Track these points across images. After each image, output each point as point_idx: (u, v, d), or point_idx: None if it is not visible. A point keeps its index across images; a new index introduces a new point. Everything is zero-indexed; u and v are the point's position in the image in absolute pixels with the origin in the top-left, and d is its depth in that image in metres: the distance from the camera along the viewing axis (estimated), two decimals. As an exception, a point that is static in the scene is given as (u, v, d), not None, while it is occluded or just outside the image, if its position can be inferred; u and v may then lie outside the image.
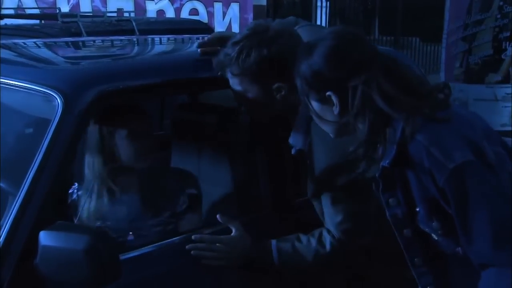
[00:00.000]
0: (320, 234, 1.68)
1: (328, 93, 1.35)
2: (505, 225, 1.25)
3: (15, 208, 1.38)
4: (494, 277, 1.27)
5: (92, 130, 1.79)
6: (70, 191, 1.90)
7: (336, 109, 1.36)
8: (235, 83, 1.67)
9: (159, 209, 1.85)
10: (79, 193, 1.88)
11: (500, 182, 1.27)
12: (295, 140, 1.67)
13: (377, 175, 1.36)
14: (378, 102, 1.30)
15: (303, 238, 1.69)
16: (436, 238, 1.37)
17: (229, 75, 1.67)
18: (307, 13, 9.34)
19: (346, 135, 1.42)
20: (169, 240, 1.68)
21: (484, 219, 1.25)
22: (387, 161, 1.32)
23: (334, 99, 1.35)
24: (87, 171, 1.82)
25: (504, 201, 1.26)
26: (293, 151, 1.68)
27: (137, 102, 1.90)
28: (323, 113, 1.39)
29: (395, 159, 1.31)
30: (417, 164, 1.28)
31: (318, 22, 8.95)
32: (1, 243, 1.35)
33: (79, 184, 1.90)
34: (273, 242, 1.68)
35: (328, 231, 1.68)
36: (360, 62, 1.33)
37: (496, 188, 1.26)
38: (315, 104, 1.39)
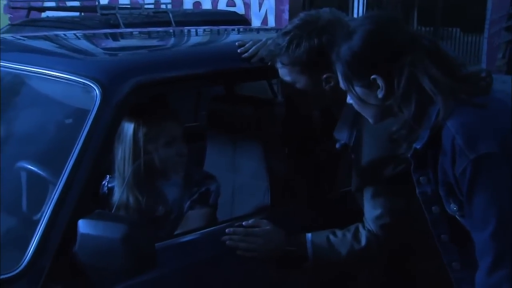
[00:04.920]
0: (356, 229, 1.67)
1: (373, 76, 1.35)
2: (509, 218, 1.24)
3: (55, 197, 1.41)
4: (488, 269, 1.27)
5: (127, 128, 1.75)
6: (102, 182, 1.89)
7: (381, 92, 1.36)
8: (284, 73, 1.65)
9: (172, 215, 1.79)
10: (109, 185, 1.87)
11: None
12: (340, 134, 1.64)
13: (409, 155, 1.38)
14: (424, 82, 1.31)
15: (339, 232, 1.67)
16: (459, 218, 1.38)
17: (278, 65, 1.65)
18: (344, 4, 9.21)
19: (385, 119, 1.42)
20: (207, 229, 1.68)
21: (490, 210, 1.25)
22: (419, 145, 1.34)
23: (380, 81, 1.35)
24: (118, 168, 1.77)
25: None
26: (337, 145, 1.66)
27: (172, 105, 1.85)
28: (367, 97, 1.39)
29: (427, 144, 1.33)
30: (445, 149, 1.30)
31: (355, 13, 8.82)
32: (42, 231, 1.38)
33: (110, 177, 1.88)
34: (308, 235, 1.67)
35: (364, 226, 1.66)
36: (402, 43, 1.34)
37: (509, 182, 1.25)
38: (358, 90, 1.39)
